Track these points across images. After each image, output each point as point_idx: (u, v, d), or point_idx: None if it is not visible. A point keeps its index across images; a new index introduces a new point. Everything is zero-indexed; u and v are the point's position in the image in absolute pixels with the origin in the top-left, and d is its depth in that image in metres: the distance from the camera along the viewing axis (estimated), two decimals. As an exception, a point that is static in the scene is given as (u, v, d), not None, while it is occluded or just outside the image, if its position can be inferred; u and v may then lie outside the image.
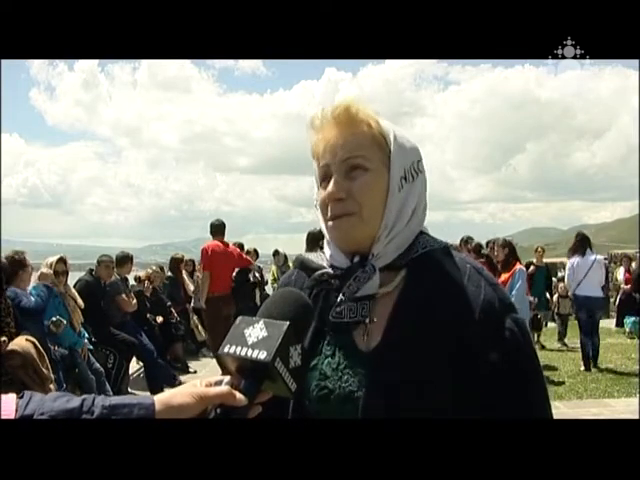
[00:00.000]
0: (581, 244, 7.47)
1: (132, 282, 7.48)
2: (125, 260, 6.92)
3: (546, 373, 6.90)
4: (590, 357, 7.26)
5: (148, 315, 7.35)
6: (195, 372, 7.69)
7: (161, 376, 6.39)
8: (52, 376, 4.03)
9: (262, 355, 0.76)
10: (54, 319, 4.85)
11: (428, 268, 0.99)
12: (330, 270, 1.02)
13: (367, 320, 0.98)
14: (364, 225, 0.98)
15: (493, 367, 0.92)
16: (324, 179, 1.01)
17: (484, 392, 0.92)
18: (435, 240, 1.04)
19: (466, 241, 7.33)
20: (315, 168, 1.04)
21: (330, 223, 1.00)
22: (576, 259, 7.43)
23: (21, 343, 3.83)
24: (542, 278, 9.19)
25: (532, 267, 9.02)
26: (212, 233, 6.85)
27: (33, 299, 4.72)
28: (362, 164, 0.97)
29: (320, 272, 1.03)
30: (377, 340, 0.96)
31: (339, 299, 0.99)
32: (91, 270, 6.34)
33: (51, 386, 3.91)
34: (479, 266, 1.04)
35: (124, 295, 6.49)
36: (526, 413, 0.94)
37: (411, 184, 1.01)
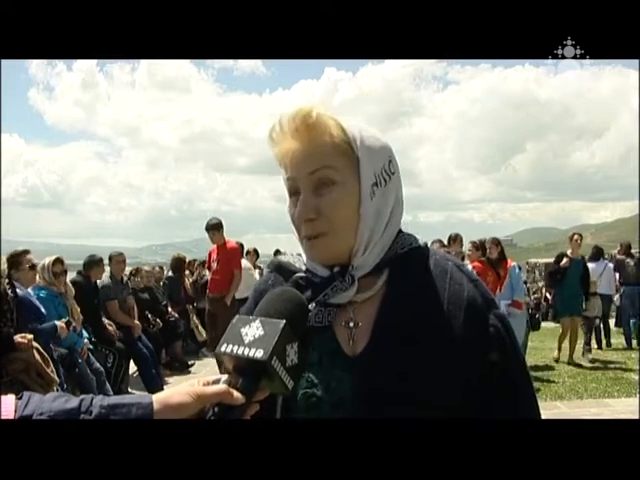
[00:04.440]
0: (597, 253, 9.18)
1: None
2: (119, 259, 6.87)
3: (546, 373, 6.93)
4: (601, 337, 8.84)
5: (149, 316, 7.35)
6: (191, 368, 7.69)
7: (152, 384, 6.32)
8: (57, 379, 4.03)
9: (259, 354, 0.76)
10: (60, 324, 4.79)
11: (409, 269, 0.98)
12: (307, 275, 1.00)
13: (351, 324, 0.97)
14: (339, 242, 0.96)
15: (481, 363, 0.93)
16: (292, 193, 0.97)
17: (473, 389, 0.92)
18: (413, 238, 1.03)
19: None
20: (283, 175, 1.00)
21: (305, 241, 0.97)
22: (592, 265, 8.66)
23: (24, 348, 3.84)
24: (577, 273, 7.73)
25: (565, 259, 7.72)
26: (219, 231, 6.71)
27: (38, 301, 4.71)
28: (329, 176, 0.93)
29: (299, 275, 1.00)
30: (363, 344, 0.95)
31: (310, 305, 0.96)
32: (79, 271, 6.31)
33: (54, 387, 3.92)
34: (459, 262, 1.04)
35: (115, 301, 6.43)
36: (515, 406, 0.96)
37: (384, 188, 0.97)
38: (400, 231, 1.02)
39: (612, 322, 10.59)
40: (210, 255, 7.10)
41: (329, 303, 0.97)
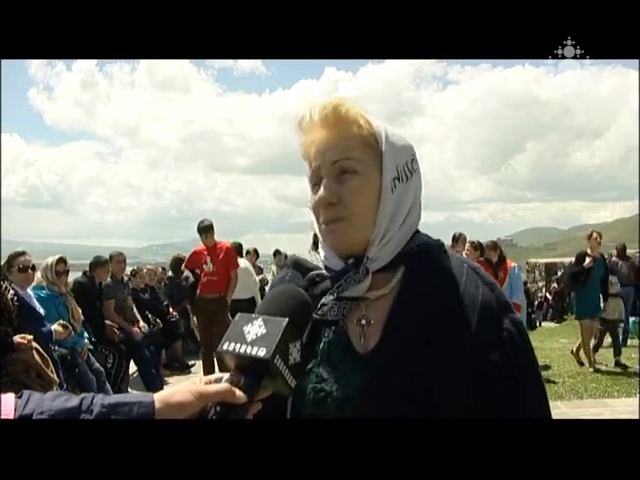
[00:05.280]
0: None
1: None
2: (119, 259, 6.88)
3: (546, 373, 6.92)
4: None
5: (150, 316, 7.35)
6: (191, 368, 7.68)
7: (153, 384, 6.33)
8: (57, 379, 4.03)
9: (261, 352, 0.76)
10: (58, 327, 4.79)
11: (425, 269, 0.98)
12: (324, 271, 1.01)
13: (363, 321, 0.98)
14: (356, 230, 0.97)
15: (492, 368, 0.92)
16: (316, 182, 0.99)
17: (483, 393, 0.91)
18: (430, 239, 1.03)
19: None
20: (307, 169, 1.03)
21: (323, 227, 0.99)
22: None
23: (24, 349, 3.84)
24: (599, 273, 7.27)
25: (589, 260, 7.18)
26: (212, 232, 6.64)
27: (37, 301, 4.72)
28: (352, 167, 0.96)
29: (315, 272, 1.01)
30: (375, 342, 0.95)
31: (325, 298, 0.98)
32: (85, 271, 6.33)
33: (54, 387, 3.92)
34: (475, 265, 1.04)
35: (111, 301, 6.42)
36: (525, 413, 0.95)
37: (405, 184, 0.99)
38: (417, 231, 1.03)
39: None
40: (196, 256, 6.89)
41: (343, 297, 0.97)
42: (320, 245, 1.05)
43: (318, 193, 0.97)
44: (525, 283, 17.78)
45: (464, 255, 6.74)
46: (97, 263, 6.29)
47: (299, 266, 1.06)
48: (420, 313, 0.94)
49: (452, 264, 1.00)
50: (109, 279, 6.56)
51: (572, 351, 7.72)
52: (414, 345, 0.91)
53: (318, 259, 1.05)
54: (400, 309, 0.96)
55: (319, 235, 1.03)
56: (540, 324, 15.33)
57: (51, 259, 5.28)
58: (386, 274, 0.99)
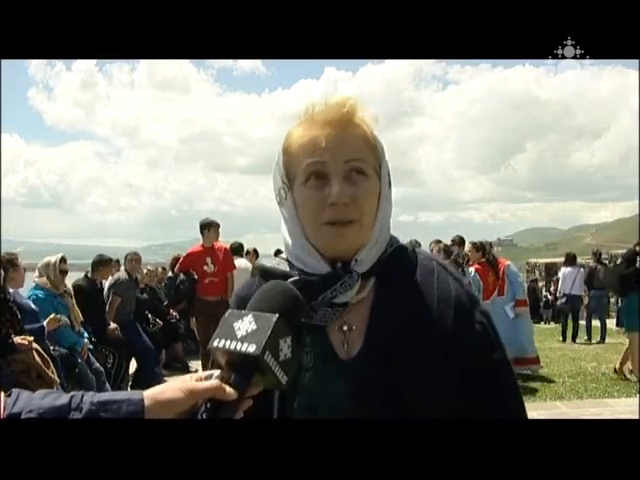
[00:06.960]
0: (572, 259, 10.89)
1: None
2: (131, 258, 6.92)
3: (546, 373, 6.92)
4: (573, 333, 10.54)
5: (150, 316, 7.34)
6: (196, 371, 7.68)
7: (154, 383, 6.34)
8: (57, 379, 4.03)
9: (251, 348, 0.76)
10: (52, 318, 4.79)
11: (398, 270, 0.99)
12: (301, 276, 0.97)
13: (345, 327, 0.97)
14: (363, 232, 0.96)
15: (470, 361, 0.94)
16: (312, 177, 0.95)
17: (466, 389, 0.93)
18: (395, 239, 1.04)
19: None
20: (286, 160, 0.99)
21: (326, 227, 0.94)
22: (567, 269, 10.72)
23: (24, 349, 3.84)
24: None
25: None
26: (217, 231, 6.51)
27: (31, 301, 4.72)
28: (363, 169, 0.95)
29: (295, 279, 0.95)
30: (358, 348, 0.95)
31: (314, 303, 0.95)
32: (86, 273, 6.34)
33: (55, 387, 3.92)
34: (443, 262, 1.06)
35: (118, 298, 6.45)
36: (500, 401, 0.98)
37: (389, 191, 1.01)
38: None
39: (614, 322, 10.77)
40: (193, 257, 6.60)
41: (335, 303, 0.96)
42: (296, 247, 0.99)
43: (333, 190, 0.92)
44: (535, 281, 17.90)
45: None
46: (100, 262, 6.29)
47: (268, 274, 1.00)
48: (399, 315, 0.94)
49: (422, 262, 1.01)
50: (126, 277, 6.55)
51: (615, 369, 6.83)
52: (397, 348, 0.92)
53: (285, 265, 1.00)
54: (380, 313, 0.96)
55: (309, 236, 0.97)
56: (549, 322, 15.43)
57: (53, 258, 5.28)
58: (363, 277, 0.98)
